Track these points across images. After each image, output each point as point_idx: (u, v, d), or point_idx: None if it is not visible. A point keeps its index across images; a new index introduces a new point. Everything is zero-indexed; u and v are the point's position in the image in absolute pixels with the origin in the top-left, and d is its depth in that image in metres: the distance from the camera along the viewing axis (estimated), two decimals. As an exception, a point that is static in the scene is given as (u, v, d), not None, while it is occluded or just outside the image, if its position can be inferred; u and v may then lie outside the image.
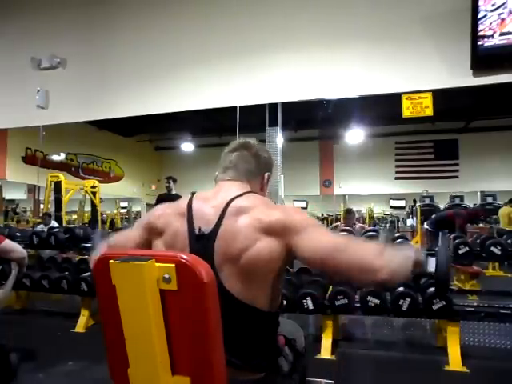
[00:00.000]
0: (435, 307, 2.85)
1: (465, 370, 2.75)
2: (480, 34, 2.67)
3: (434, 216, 6.22)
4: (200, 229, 1.03)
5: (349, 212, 4.78)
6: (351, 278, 1.04)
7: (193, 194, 1.13)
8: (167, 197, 5.08)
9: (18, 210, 12.49)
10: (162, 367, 0.90)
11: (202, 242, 1.01)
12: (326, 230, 1.05)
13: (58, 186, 7.31)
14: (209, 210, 1.06)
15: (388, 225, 10.05)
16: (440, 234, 1.17)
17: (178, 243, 1.05)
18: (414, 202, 11.29)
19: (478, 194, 12.29)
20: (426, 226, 6.16)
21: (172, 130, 10.90)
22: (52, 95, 3.91)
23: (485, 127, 11.24)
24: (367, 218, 13.13)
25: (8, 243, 2.01)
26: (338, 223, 6.18)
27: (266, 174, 1.20)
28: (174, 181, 5.21)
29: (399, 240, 3.30)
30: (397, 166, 12.79)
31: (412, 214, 11.10)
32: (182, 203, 1.11)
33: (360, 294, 3.09)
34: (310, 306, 3.01)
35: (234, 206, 1.03)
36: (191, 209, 1.07)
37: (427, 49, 2.94)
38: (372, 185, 12.96)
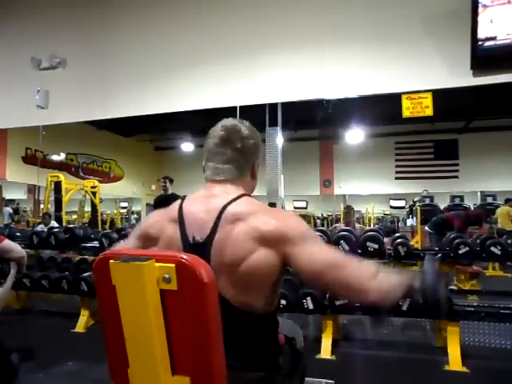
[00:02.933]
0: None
1: (465, 369, 2.76)
2: (480, 34, 2.67)
3: (434, 218, 6.24)
4: (194, 238, 1.01)
5: (348, 208, 4.95)
6: (342, 295, 1.05)
7: (183, 198, 1.10)
8: (164, 198, 5.06)
9: (18, 210, 12.48)
10: (162, 367, 0.90)
11: (197, 251, 0.97)
12: (322, 244, 1.04)
13: (57, 186, 7.32)
14: (202, 216, 1.02)
15: (383, 227, 9.91)
16: (426, 258, 1.16)
17: (172, 246, 1.04)
18: (414, 202, 11.29)
19: (478, 194, 12.29)
20: (426, 228, 6.18)
21: (172, 130, 10.89)
22: (52, 95, 3.91)
23: (485, 127, 11.24)
24: (367, 219, 13.13)
25: (7, 243, 2.01)
26: (338, 224, 6.21)
27: (256, 162, 1.16)
28: (171, 181, 5.19)
29: (399, 240, 3.31)
30: (397, 166, 12.78)
31: (412, 214, 11.09)
32: (173, 209, 1.07)
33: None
34: (310, 306, 3.01)
35: (229, 212, 1.00)
36: (182, 214, 1.04)
37: (427, 49, 2.94)
38: (372, 185, 12.95)
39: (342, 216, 5.07)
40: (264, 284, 1.01)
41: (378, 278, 0.97)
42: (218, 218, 1.00)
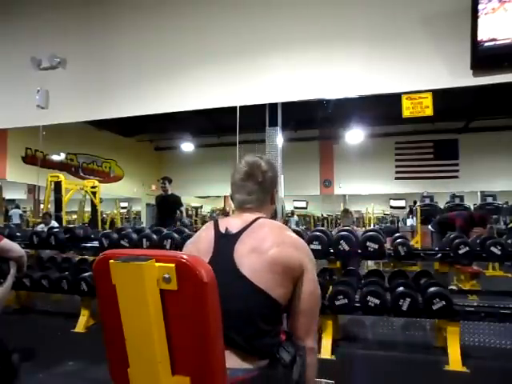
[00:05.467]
0: (435, 307, 2.85)
1: (465, 369, 2.75)
2: (480, 34, 2.67)
3: (437, 217, 6.26)
4: (227, 229, 1.19)
5: (346, 212, 5.11)
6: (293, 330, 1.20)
7: (216, 219, 1.29)
8: (164, 197, 5.14)
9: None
10: (162, 367, 0.90)
11: (227, 238, 1.16)
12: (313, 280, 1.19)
13: (57, 186, 7.32)
14: (235, 221, 1.22)
15: (383, 227, 9.87)
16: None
17: (205, 243, 1.19)
18: (414, 203, 11.30)
19: (478, 193, 12.29)
20: (429, 227, 6.20)
21: (172, 130, 10.89)
22: (52, 95, 3.91)
23: (485, 127, 11.24)
24: (367, 219, 13.14)
25: (6, 242, 2.01)
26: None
27: (274, 190, 1.34)
28: (170, 181, 5.26)
29: (399, 240, 3.31)
30: (397, 166, 12.78)
31: (412, 213, 11.09)
32: (209, 225, 1.27)
33: (360, 293, 3.09)
34: (310, 306, 3.00)
35: (258, 222, 1.21)
36: (217, 222, 1.24)
37: (427, 49, 2.94)
38: (372, 185, 12.95)
39: (340, 219, 5.14)
40: (285, 274, 1.12)
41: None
42: (251, 223, 1.20)
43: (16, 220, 10.04)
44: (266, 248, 1.12)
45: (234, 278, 1.09)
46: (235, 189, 1.31)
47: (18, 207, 11.12)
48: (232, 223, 1.21)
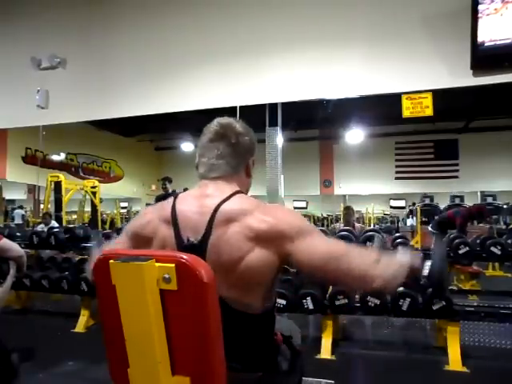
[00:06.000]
0: (435, 307, 2.85)
1: (465, 369, 2.75)
2: (480, 33, 2.67)
3: (436, 218, 6.26)
4: (188, 239, 0.99)
5: (347, 209, 5.06)
6: (346, 285, 1.04)
7: (176, 196, 1.08)
8: (164, 197, 5.18)
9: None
10: (162, 367, 0.90)
11: (192, 253, 0.93)
12: (319, 235, 1.02)
13: (58, 186, 7.31)
14: (195, 217, 1.00)
15: (383, 227, 9.94)
16: (434, 236, 1.22)
17: (157, 242, 1.03)
18: (413, 204, 11.31)
19: (478, 193, 12.30)
20: (429, 228, 6.19)
21: (172, 130, 10.90)
22: (52, 95, 3.91)
23: (485, 127, 11.25)
24: (367, 219, 13.14)
25: (5, 242, 2.01)
26: (337, 224, 6.25)
27: (251, 160, 1.14)
28: (170, 181, 5.38)
29: (399, 240, 3.31)
30: (397, 166, 12.79)
31: (412, 213, 11.10)
32: (166, 208, 1.05)
33: (360, 294, 3.09)
34: (310, 306, 3.01)
35: (222, 211, 0.98)
36: (176, 214, 1.02)
37: (427, 49, 2.94)
38: (372, 185, 12.96)
39: (342, 216, 5.12)
40: (261, 283, 0.99)
41: (381, 264, 0.97)
42: (212, 218, 0.98)
43: (18, 220, 10.25)
44: (240, 257, 0.95)
45: None
46: (201, 152, 1.11)
47: (21, 207, 11.30)
48: (192, 221, 1.00)
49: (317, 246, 0.98)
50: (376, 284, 0.95)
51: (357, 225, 4.95)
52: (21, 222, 10.16)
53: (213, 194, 1.03)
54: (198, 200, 1.03)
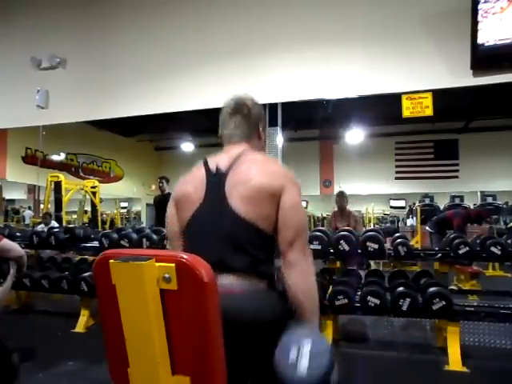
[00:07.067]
0: (435, 307, 2.84)
1: (465, 369, 2.75)
2: (480, 34, 2.67)
3: (434, 218, 6.25)
4: (217, 167, 1.24)
5: (340, 195, 5.04)
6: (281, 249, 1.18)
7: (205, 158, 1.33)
8: (162, 197, 5.18)
9: (19, 211, 12.52)
10: (162, 367, 0.90)
11: (217, 176, 1.22)
12: (300, 209, 1.22)
13: (58, 185, 7.32)
14: (223, 159, 1.27)
15: (383, 227, 9.75)
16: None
17: (198, 182, 1.24)
18: (413, 204, 11.31)
19: (478, 193, 12.29)
20: (427, 227, 6.18)
21: (172, 130, 10.89)
22: (52, 95, 3.91)
23: (485, 127, 11.24)
24: (367, 219, 13.14)
25: (6, 242, 2.01)
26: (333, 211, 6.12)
27: (260, 126, 1.42)
28: (167, 181, 5.36)
29: (399, 240, 3.30)
30: (397, 166, 12.78)
31: (412, 213, 11.10)
32: (199, 165, 1.31)
33: (360, 293, 3.09)
34: (310, 306, 3.00)
35: (244, 155, 1.26)
36: (207, 161, 1.29)
37: (427, 49, 2.94)
38: (372, 185, 12.95)
39: (335, 202, 5.02)
40: (267, 203, 1.16)
41: (308, 287, 1.17)
42: (238, 157, 1.25)
43: (28, 221, 10.36)
44: (251, 178, 1.18)
45: (224, 213, 1.16)
46: (223, 125, 1.39)
47: (30, 209, 11.42)
48: (220, 161, 1.26)
49: (298, 210, 1.20)
50: (289, 281, 1.13)
51: (351, 209, 4.92)
52: (28, 222, 10.28)
53: (235, 149, 1.31)
54: (225, 153, 1.32)
